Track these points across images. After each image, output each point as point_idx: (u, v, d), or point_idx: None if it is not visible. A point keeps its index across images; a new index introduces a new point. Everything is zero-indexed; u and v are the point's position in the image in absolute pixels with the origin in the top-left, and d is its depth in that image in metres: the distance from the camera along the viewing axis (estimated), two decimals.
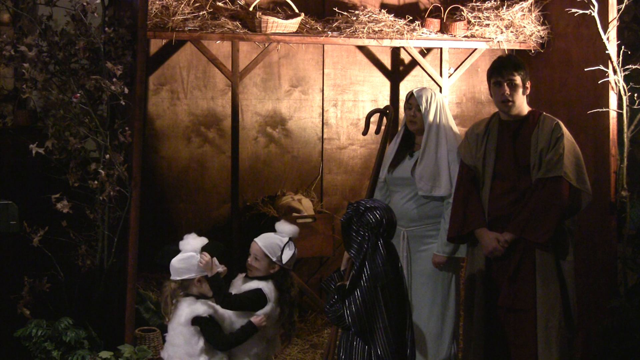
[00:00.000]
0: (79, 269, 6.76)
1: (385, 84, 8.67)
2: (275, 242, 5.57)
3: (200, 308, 5.42)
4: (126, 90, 6.44)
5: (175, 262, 5.49)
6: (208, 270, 5.42)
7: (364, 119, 6.86)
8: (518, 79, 6.06)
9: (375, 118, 6.82)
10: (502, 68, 6.10)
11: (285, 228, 5.65)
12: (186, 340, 5.38)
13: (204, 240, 5.56)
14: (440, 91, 8.25)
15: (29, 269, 6.56)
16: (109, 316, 6.57)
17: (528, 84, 6.13)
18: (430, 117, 6.50)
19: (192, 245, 5.52)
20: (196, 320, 5.40)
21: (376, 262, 4.82)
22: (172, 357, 5.46)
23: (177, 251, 5.55)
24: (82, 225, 6.78)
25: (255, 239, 5.62)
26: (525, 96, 6.14)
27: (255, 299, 5.49)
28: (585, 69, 7.36)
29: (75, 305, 6.74)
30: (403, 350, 4.92)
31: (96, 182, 6.53)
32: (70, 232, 6.70)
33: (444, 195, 6.42)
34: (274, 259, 5.53)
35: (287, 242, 5.57)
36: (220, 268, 5.51)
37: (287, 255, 5.55)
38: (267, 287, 5.54)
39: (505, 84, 6.06)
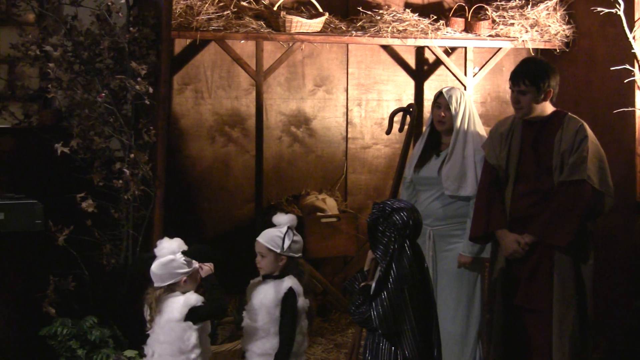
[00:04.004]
0: (103, 268, 6.79)
1: (410, 83, 8.66)
2: (275, 234, 5.61)
3: (192, 298, 5.40)
4: (150, 90, 6.46)
5: (156, 269, 5.39)
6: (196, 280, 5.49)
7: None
8: (530, 87, 5.96)
9: (398, 117, 6.81)
10: (514, 76, 6.02)
11: (281, 219, 5.69)
12: (178, 337, 5.33)
13: (179, 242, 5.52)
14: (465, 90, 8.23)
15: (54, 267, 6.59)
16: (134, 315, 6.58)
17: (549, 90, 6.00)
18: (460, 117, 6.47)
19: (168, 248, 5.44)
20: (190, 313, 5.36)
21: (403, 264, 4.79)
22: (162, 355, 5.42)
23: (152, 258, 5.49)
24: (106, 224, 6.80)
25: (257, 238, 5.65)
26: (545, 101, 6.03)
27: (294, 302, 5.54)
28: (611, 68, 7.33)
29: (100, 304, 6.76)
30: (430, 351, 4.89)
31: (121, 181, 6.56)
32: (95, 231, 6.73)
33: (470, 196, 6.39)
34: (279, 251, 5.56)
35: (286, 231, 5.61)
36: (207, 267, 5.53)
37: (287, 243, 5.58)
38: (293, 283, 5.57)
39: (516, 91, 6.01)
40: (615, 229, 7.34)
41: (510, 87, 6.05)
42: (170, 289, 5.41)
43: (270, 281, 5.60)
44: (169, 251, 5.41)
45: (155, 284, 5.40)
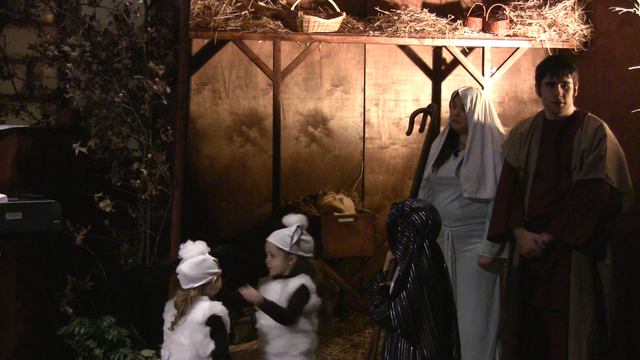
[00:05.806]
0: (121, 267, 6.80)
1: (427, 83, 8.65)
2: (285, 233, 5.65)
3: (218, 307, 5.37)
4: (168, 90, 6.46)
5: (188, 270, 5.31)
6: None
7: (407, 119, 6.84)
8: (571, 81, 5.98)
9: (418, 117, 6.79)
10: (559, 68, 5.97)
11: (291, 219, 5.73)
12: (199, 341, 5.31)
13: (204, 244, 5.49)
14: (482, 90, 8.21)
15: (72, 267, 6.60)
16: (151, 315, 6.59)
17: (577, 86, 6.05)
18: (475, 117, 6.45)
19: (196, 250, 5.40)
20: (212, 319, 5.33)
21: (422, 263, 4.78)
22: (178, 357, 5.37)
23: (172, 264, 5.47)
24: (124, 224, 6.81)
25: (267, 238, 5.68)
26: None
27: (304, 296, 5.54)
28: (629, 68, 7.30)
29: (117, 303, 6.78)
30: (449, 351, 4.88)
31: (138, 181, 6.57)
32: (113, 231, 6.74)
33: (489, 198, 6.36)
34: (287, 249, 5.58)
35: (295, 230, 5.63)
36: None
37: (295, 240, 5.60)
38: (305, 280, 5.58)
39: (560, 85, 5.97)
40: (634, 230, 7.30)
41: (550, 82, 5.98)
42: (203, 290, 5.38)
43: (280, 280, 5.62)
44: (198, 252, 5.39)
45: (187, 286, 5.33)
